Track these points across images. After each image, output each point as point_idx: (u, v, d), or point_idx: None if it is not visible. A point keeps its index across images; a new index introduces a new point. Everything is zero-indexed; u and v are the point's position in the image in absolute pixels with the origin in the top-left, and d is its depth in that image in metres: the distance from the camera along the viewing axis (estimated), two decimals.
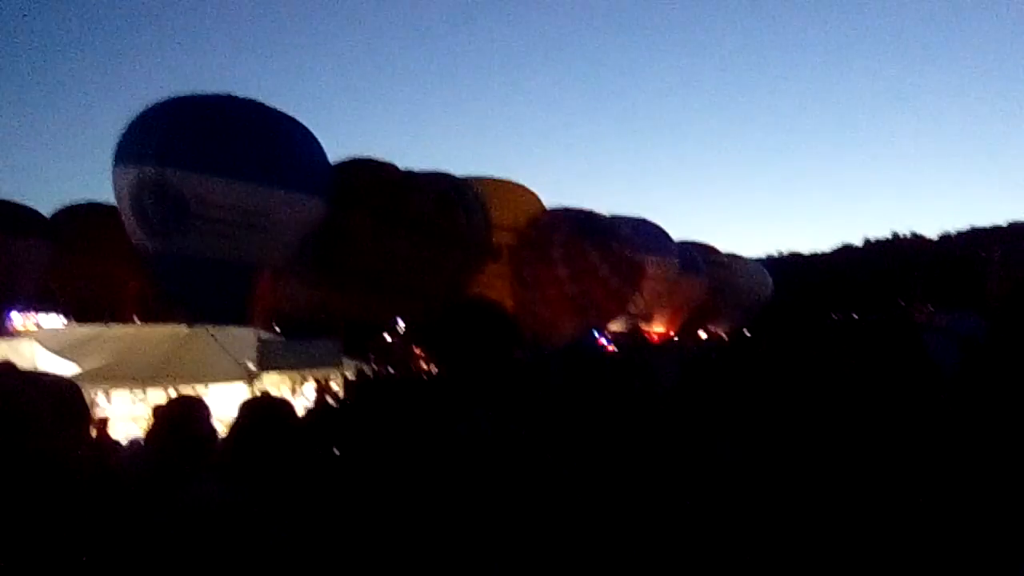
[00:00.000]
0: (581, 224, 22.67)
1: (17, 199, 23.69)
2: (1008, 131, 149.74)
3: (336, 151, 19.24)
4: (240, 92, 17.83)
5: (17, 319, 21.19)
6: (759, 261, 38.86)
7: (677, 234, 27.60)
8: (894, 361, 3.11)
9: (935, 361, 3.14)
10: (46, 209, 23.85)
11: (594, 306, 21.72)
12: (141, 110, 17.00)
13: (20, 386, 1.58)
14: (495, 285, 21.10)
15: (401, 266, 17.72)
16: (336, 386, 11.77)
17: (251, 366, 11.17)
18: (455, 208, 19.26)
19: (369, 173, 18.85)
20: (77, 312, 19.85)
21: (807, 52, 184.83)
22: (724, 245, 33.29)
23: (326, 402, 10.27)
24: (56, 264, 21.00)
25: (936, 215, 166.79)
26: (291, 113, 17.95)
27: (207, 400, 4.60)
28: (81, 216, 22.19)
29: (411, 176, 19.52)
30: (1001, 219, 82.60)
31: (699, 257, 29.05)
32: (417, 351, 17.08)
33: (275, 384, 11.32)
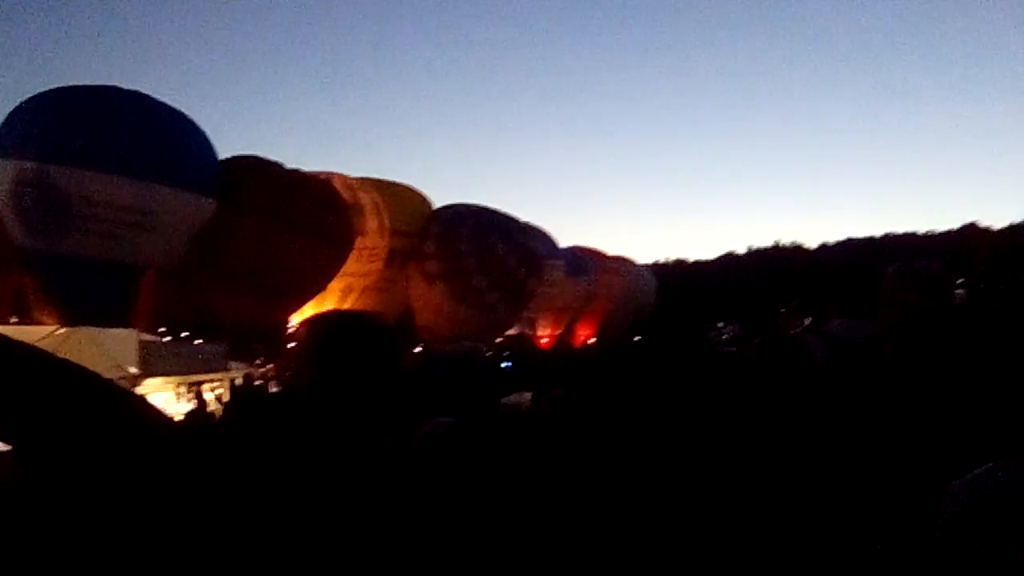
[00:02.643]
0: (486, 217, 22.91)
1: None
2: (881, 147, 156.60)
3: (225, 148, 18.81)
4: (126, 84, 17.30)
5: None
6: (646, 267, 39.43)
7: (565, 240, 27.97)
8: (776, 365, 3.46)
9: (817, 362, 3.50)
10: None
11: (502, 299, 21.79)
12: (21, 101, 16.35)
13: None
14: (388, 289, 21.12)
15: (288, 268, 17.48)
16: (222, 392, 11.69)
17: (132, 370, 11.03)
18: (344, 209, 19.09)
19: (255, 171, 18.40)
20: None
21: (689, 61, 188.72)
22: (612, 251, 33.69)
23: (205, 409, 10.22)
24: None
25: (816, 226, 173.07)
26: (179, 107, 17.54)
27: None
28: None
29: (298, 175, 19.24)
30: (877, 231, 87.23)
31: (586, 261, 29.31)
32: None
33: (158, 389, 11.20)
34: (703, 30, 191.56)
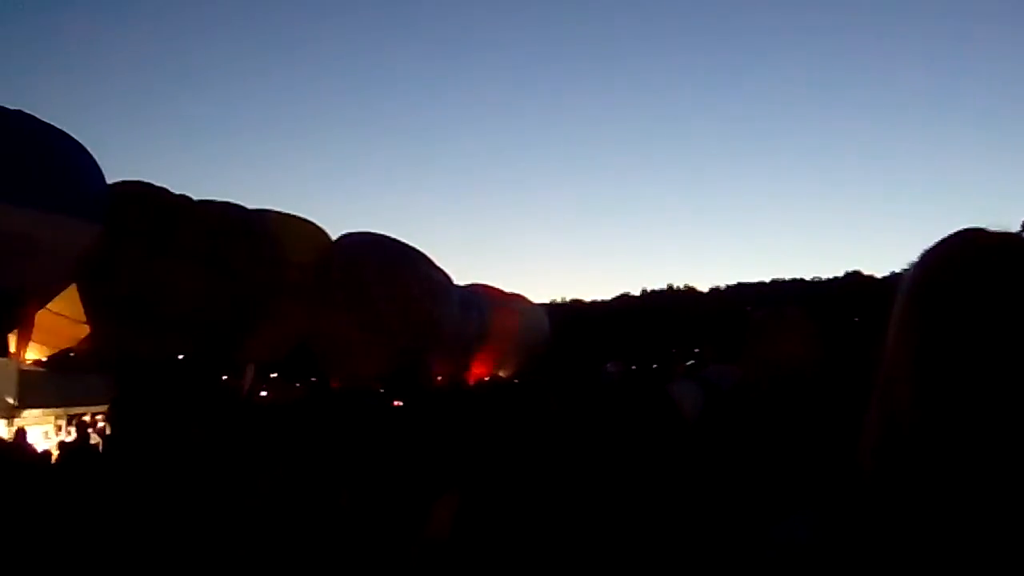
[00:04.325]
0: (390, 246, 22.91)
1: None
2: (773, 195, 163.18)
3: (113, 172, 18.24)
4: (8, 103, 16.70)
5: None
6: (542, 306, 39.86)
7: (459, 278, 28.10)
8: (643, 413, 3.62)
9: (680, 407, 3.66)
10: None
11: (408, 328, 21.61)
12: None
13: None
14: (287, 322, 20.77)
15: (175, 298, 17.02)
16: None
17: (10, 400, 10.63)
18: (237, 239, 18.72)
19: (140, 197, 17.94)
20: None
21: (588, 105, 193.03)
22: (507, 290, 33.99)
23: (85, 442, 9.92)
24: None
25: (708, 270, 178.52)
26: (67, 129, 16.99)
27: None
28: None
29: (188, 203, 18.82)
30: (766, 276, 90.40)
31: (480, 298, 29.39)
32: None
33: (36, 421, 10.83)
34: (602, 74, 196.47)
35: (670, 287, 77.77)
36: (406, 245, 23.40)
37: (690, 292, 74.94)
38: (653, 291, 76.79)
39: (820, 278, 75.80)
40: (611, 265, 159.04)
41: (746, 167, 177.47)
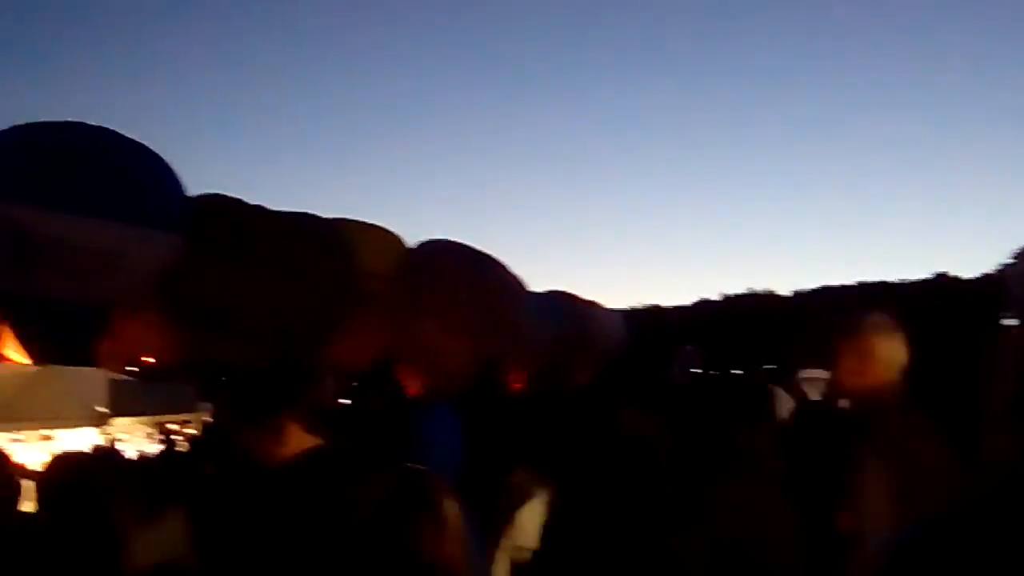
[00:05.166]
0: (472, 253, 23.25)
1: None
2: (857, 196, 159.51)
3: (195, 184, 18.69)
4: (92, 119, 17.23)
5: None
6: (619, 311, 39.60)
7: (534, 283, 28.03)
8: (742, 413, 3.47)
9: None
10: None
11: (492, 331, 21.81)
12: None
13: None
14: (366, 331, 20.99)
15: (251, 306, 17.35)
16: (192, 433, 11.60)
17: (102, 409, 10.89)
18: (313, 249, 19.05)
19: (217, 208, 18.38)
20: None
21: (664, 106, 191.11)
22: (589, 293, 33.74)
23: (173, 451, 10.10)
24: None
25: (789, 272, 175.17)
26: (147, 142, 17.45)
27: (55, 446, 4.61)
28: None
29: (264, 213, 19.21)
30: (850, 279, 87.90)
31: (556, 304, 29.28)
32: None
33: (127, 429, 11.08)
34: (675, 75, 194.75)
35: (750, 291, 76.45)
36: (479, 251, 23.61)
37: (771, 297, 73.56)
38: (733, 296, 75.65)
39: (906, 280, 73.62)
40: (689, 269, 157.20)
41: (827, 165, 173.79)
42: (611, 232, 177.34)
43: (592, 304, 36.12)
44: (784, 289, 79.01)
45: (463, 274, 22.53)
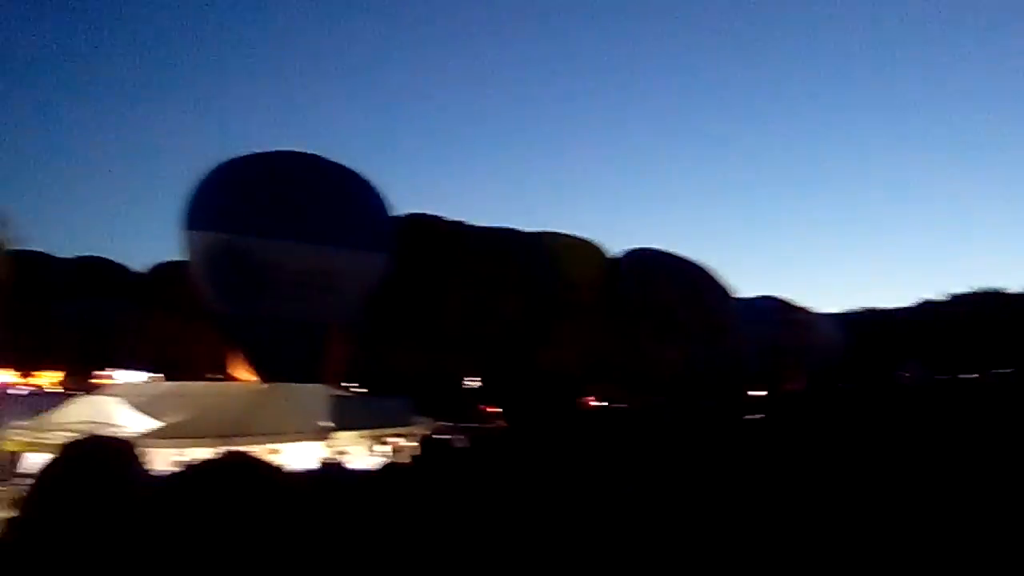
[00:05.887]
0: (681, 261, 23.70)
1: (108, 256, 24.76)
2: None
3: (401, 203, 19.45)
4: (300, 145, 18.17)
5: (103, 376, 21.70)
6: (835, 316, 38.02)
7: (751, 288, 27.47)
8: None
9: None
10: (140, 264, 24.93)
11: (705, 334, 21.80)
12: (204, 174, 17.46)
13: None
14: (571, 340, 20.99)
15: (455, 317, 17.84)
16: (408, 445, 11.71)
17: (325, 424, 11.21)
18: (507, 259, 19.45)
19: (422, 227, 19.12)
20: (160, 367, 20.33)
21: (880, 106, 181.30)
22: (801, 298, 32.65)
23: (396, 462, 10.17)
24: (143, 321, 21.61)
25: (1018, 268, 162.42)
26: (353, 165, 18.27)
27: (281, 458, 4.54)
28: (166, 274, 22.82)
29: (465, 229, 19.78)
30: None
31: (770, 310, 28.57)
32: (489, 409, 17.04)
33: (349, 443, 11.30)
34: (907, 95, 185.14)
35: (976, 290, 71.14)
36: (692, 259, 23.98)
37: (1000, 295, 68.13)
38: (960, 295, 70.61)
39: None
40: (908, 269, 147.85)
41: None
42: (824, 234, 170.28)
43: (805, 309, 34.87)
44: (1014, 286, 73.08)
45: (675, 281, 22.55)
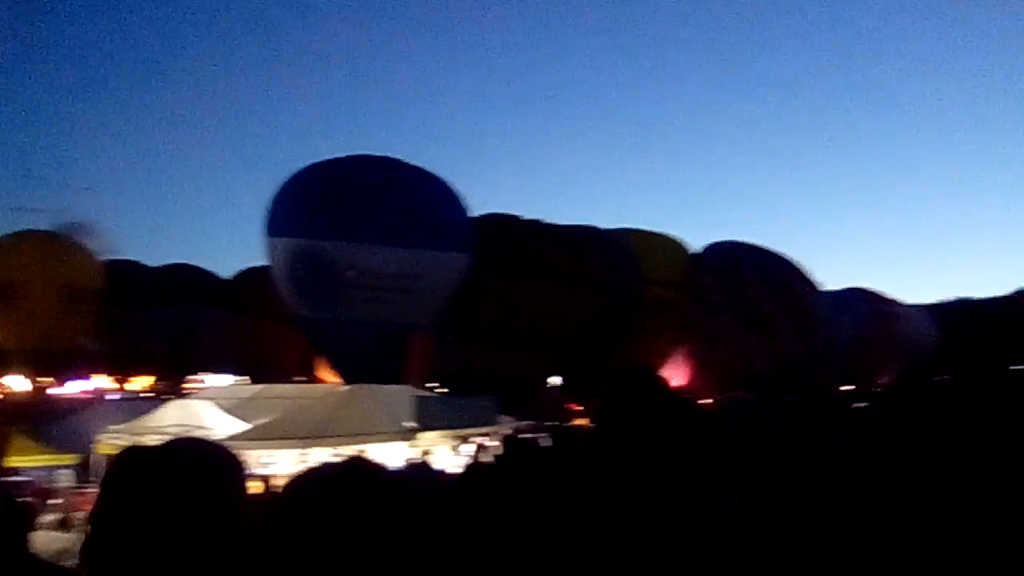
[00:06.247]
0: (765, 252, 23.42)
1: (195, 262, 25.38)
2: None
3: (479, 204, 19.52)
4: (378, 148, 18.31)
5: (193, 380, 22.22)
6: (926, 307, 36.85)
7: (838, 279, 26.90)
8: None
9: None
10: (227, 270, 25.50)
11: (793, 325, 21.44)
12: (284, 180, 17.79)
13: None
14: (650, 338, 20.77)
15: (535, 315, 17.77)
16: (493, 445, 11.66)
17: (409, 425, 11.23)
18: (587, 256, 19.28)
19: (500, 226, 19.08)
20: (247, 371, 20.72)
21: (973, 96, 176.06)
22: (890, 290, 31.67)
23: (480, 462, 10.12)
24: (230, 326, 22.05)
25: None
26: (429, 167, 18.36)
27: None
28: (252, 279, 23.10)
29: (543, 228, 19.67)
30: None
31: (859, 303, 27.87)
32: (572, 407, 16.93)
33: (433, 443, 11.31)
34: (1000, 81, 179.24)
35: None
36: (776, 251, 23.55)
37: None
38: None
39: None
40: (1003, 257, 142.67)
41: None
42: (914, 222, 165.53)
43: (895, 301, 33.81)
44: None
45: (760, 274, 22.12)
